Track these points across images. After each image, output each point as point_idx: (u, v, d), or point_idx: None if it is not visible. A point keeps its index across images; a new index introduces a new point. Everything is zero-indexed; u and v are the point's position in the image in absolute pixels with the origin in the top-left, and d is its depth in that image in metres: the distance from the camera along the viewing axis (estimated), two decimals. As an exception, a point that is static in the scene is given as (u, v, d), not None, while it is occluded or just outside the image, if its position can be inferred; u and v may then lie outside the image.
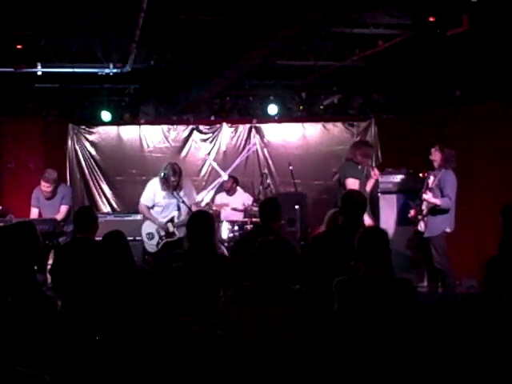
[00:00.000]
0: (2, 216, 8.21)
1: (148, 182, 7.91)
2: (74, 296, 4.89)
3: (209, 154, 10.66)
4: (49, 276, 5.56)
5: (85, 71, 7.87)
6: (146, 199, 7.77)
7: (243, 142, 10.83)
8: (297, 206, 8.49)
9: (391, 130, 10.47)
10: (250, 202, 9.24)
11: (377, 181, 7.97)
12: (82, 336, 4.37)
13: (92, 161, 10.40)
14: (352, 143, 8.28)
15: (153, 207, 7.75)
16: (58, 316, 3.73)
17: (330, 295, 3.93)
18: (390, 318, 3.80)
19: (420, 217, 7.49)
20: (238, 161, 10.59)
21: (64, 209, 7.94)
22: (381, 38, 7.33)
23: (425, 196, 7.36)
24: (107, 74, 7.81)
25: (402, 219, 8.26)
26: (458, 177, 7.41)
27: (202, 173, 10.66)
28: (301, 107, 10.33)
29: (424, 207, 7.45)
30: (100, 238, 5.03)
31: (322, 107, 10.50)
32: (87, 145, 10.40)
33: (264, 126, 10.85)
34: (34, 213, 8.05)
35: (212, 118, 10.62)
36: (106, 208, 10.34)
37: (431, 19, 6.11)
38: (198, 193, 9.16)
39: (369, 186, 7.61)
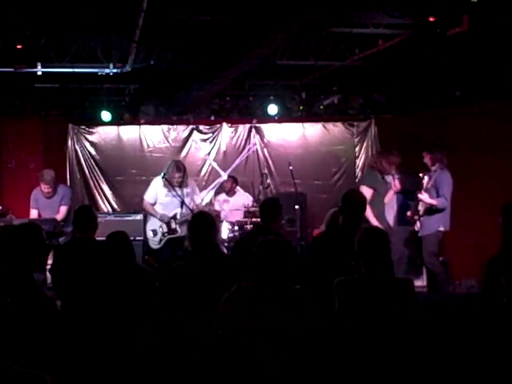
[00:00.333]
0: (2, 216, 8.23)
1: (151, 181, 8.00)
2: (73, 295, 4.90)
3: (209, 154, 10.66)
4: (49, 275, 5.57)
5: (85, 71, 7.87)
6: (149, 197, 7.92)
7: (243, 142, 10.84)
8: (297, 206, 8.49)
9: (391, 130, 10.46)
10: (250, 202, 9.24)
11: None
12: (82, 336, 4.37)
13: (92, 161, 10.41)
14: (379, 151, 8.35)
15: (155, 204, 7.86)
16: (57, 316, 3.73)
17: (331, 295, 3.93)
18: (391, 318, 3.80)
19: (416, 217, 7.56)
20: (237, 161, 10.57)
21: (63, 209, 7.96)
22: (381, 37, 7.33)
23: (420, 196, 7.43)
24: (107, 73, 7.81)
25: (402, 219, 8.28)
26: (458, 177, 7.44)
27: (202, 173, 10.66)
28: (301, 107, 10.30)
29: (420, 207, 7.51)
30: (101, 238, 5.04)
31: (321, 107, 10.48)
32: (87, 145, 10.41)
33: (264, 126, 10.86)
34: (34, 214, 8.08)
35: (212, 118, 10.62)
36: (105, 208, 10.35)
37: (431, 19, 6.10)
38: (198, 193, 9.18)
39: (388, 198, 7.44)
